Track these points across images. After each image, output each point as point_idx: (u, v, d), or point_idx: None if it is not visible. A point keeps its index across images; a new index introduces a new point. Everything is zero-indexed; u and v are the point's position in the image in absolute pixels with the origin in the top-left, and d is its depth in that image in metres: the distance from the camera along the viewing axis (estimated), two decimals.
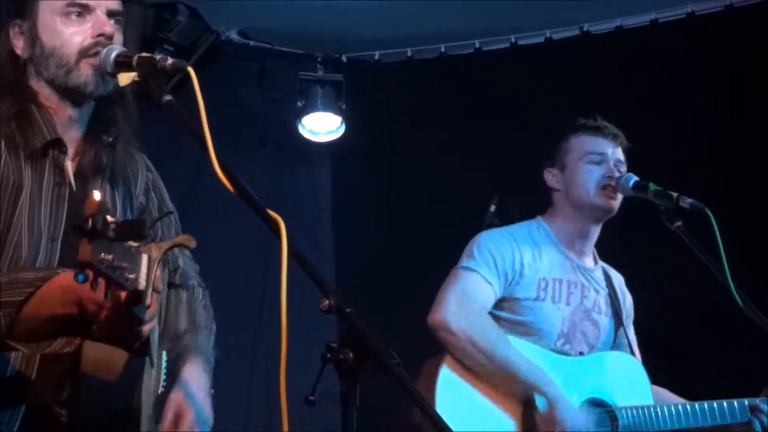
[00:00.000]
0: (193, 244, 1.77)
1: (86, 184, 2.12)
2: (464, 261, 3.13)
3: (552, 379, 2.99)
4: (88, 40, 2.06)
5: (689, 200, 3.07)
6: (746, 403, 3.23)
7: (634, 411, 3.10)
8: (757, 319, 3.13)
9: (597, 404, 3.10)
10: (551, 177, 3.30)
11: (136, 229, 1.61)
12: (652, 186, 3.15)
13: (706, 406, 3.19)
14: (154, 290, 1.67)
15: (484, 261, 3.10)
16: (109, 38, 2.06)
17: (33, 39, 2.08)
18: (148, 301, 1.65)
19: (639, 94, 4.69)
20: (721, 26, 4.71)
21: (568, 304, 3.17)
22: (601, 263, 3.38)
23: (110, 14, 2.10)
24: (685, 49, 4.75)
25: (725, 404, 3.20)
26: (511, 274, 3.11)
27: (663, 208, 3.10)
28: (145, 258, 1.65)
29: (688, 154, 4.53)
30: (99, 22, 2.07)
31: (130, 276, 1.61)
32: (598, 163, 3.23)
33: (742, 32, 4.60)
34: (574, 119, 3.36)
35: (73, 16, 2.08)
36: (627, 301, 3.42)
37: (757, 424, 3.20)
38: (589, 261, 3.32)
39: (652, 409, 3.13)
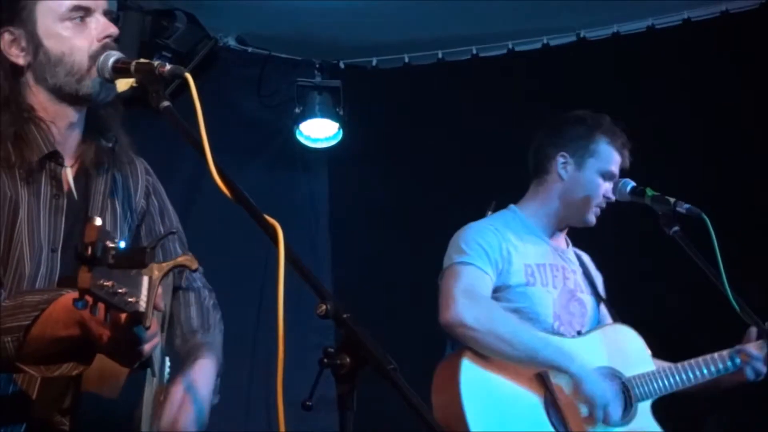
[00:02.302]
0: (195, 265, 1.74)
1: (87, 189, 2.10)
2: (455, 256, 3.10)
3: (575, 357, 3.00)
4: (95, 44, 2.02)
5: (686, 205, 3.09)
6: (734, 351, 3.20)
7: (643, 379, 3.13)
8: (754, 323, 3.15)
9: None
10: (563, 163, 3.24)
11: (137, 257, 1.59)
12: (649, 191, 3.16)
13: (694, 363, 3.19)
14: (155, 309, 1.66)
15: (476, 253, 3.08)
16: (116, 39, 2.03)
17: (36, 46, 2.02)
18: (148, 323, 1.63)
19: (635, 99, 4.70)
20: (717, 32, 4.73)
21: (554, 287, 3.18)
22: (571, 247, 3.38)
23: (105, 14, 2.07)
24: (681, 55, 4.77)
25: (715, 356, 3.20)
26: (501, 262, 3.10)
27: (660, 213, 3.12)
28: (145, 280, 1.64)
29: (684, 159, 4.54)
30: (101, 25, 2.04)
31: (130, 300, 1.60)
32: (607, 180, 3.23)
33: (738, 38, 4.62)
34: (600, 114, 3.28)
35: (77, 20, 2.03)
36: (599, 278, 3.41)
37: (749, 371, 3.17)
38: (562, 243, 3.33)
39: (656, 374, 3.16)
